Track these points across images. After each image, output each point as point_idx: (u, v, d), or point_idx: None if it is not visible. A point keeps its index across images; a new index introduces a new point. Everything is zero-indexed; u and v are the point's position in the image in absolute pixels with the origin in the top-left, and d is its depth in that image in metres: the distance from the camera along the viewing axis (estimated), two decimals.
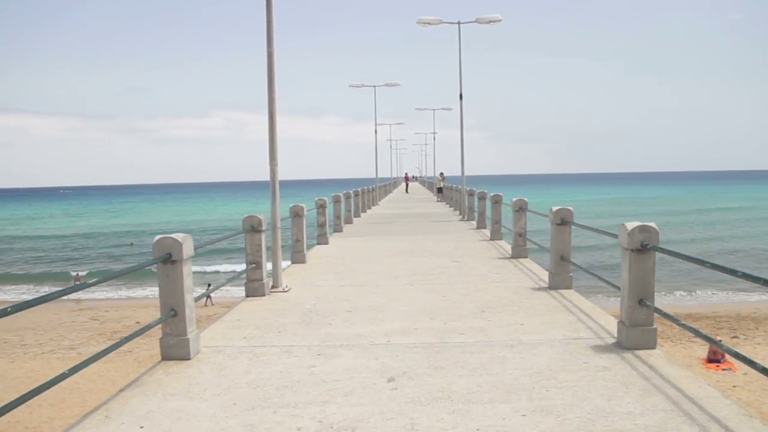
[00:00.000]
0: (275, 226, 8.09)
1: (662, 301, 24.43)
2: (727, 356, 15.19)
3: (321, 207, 13.43)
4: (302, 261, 10.55)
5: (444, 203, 31.97)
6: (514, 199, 10.70)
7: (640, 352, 5.03)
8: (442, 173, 37.14)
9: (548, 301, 7.03)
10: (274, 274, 8.12)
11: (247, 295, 7.73)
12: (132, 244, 50.33)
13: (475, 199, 17.68)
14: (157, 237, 5.19)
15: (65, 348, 20.55)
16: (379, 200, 34.35)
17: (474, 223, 17.94)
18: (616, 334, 5.45)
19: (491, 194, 13.74)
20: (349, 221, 19.37)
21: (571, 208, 7.71)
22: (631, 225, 5.12)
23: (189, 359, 5.17)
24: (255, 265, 7.70)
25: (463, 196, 20.53)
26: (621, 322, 5.28)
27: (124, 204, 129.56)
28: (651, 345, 5.13)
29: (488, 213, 15.99)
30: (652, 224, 5.13)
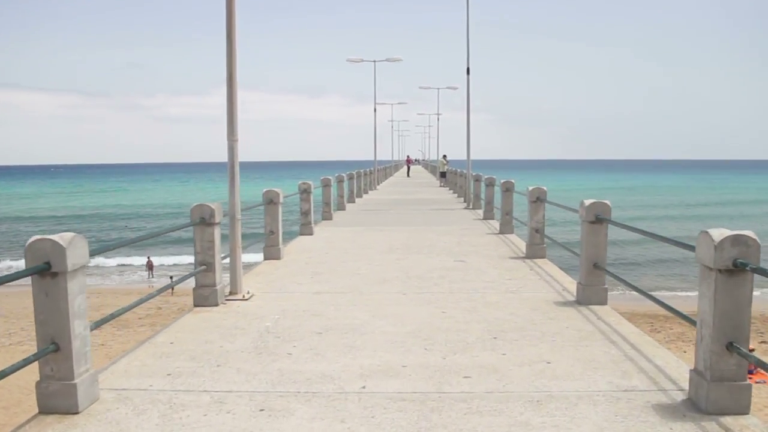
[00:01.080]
0: (234, 218, 6.47)
1: (676, 299, 22.84)
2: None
3: (305, 192, 11.78)
4: (276, 257, 8.94)
5: (447, 189, 30.32)
6: (530, 188, 9.05)
7: (728, 420, 3.43)
8: (444, 156, 35.40)
9: (579, 324, 5.42)
10: (233, 277, 6.52)
11: (196, 305, 6.13)
12: (126, 226, 48.63)
13: (482, 185, 16.02)
14: (32, 238, 3.60)
15: (35, 339, 19.12)
16: (378, 184, 32.68)
17: (480, 212, 16.29)
18: (685, 386, 3.85)
19: (501, 181, 12.08)
20: (341, 207, 17.77)
21: (608, 202, 6.08)
22: (717, 233, 3.50)
23: (77, 413, 3.59)
24: (206, 267, 6.09)
25: (468, 182, 18.86)
26: (696, 372, 3.67)
27: (119, 183, 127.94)
28: (743, 409, 3.52)
29: (497, 202, 14.36)
30: (750, 233, 3.50)
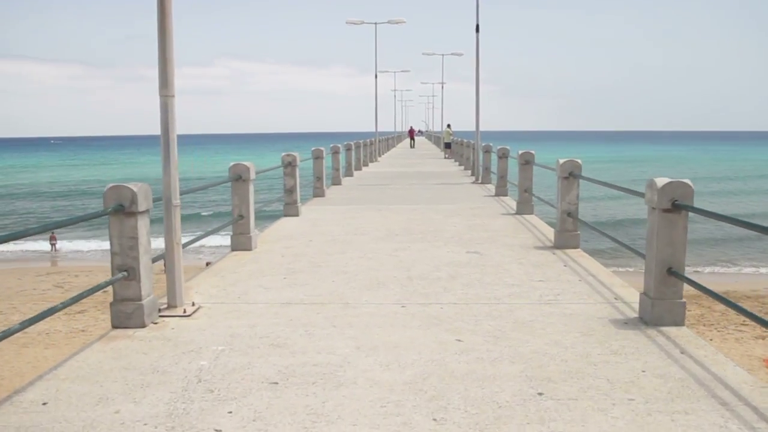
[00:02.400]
0: (170, 203, 4.73)
1: (700, 276, 21.17)
2: None
3: (289, 166, 10.00)
4: (246, 247, 7.21)
5: (452, 160, 28.50)
6: (561, 161, 7.27)
7: None
8: (449, 125, 33.48)
9: (659, 363, 3.69)
10: (170, 285, 4.81)
11: (114, 326, 4.44)
12: None
13: (493, 157, 14.22)
14: None
15: (12, 324, 17.55)
16: (379, 156, 30.84)
17: (491, 187, 14.53)
18: None
19: (519, 152, 10.29)
20: (337, 182, 16.01)
21: (689, 182, 4.32)
22: None
23: None
24: (127, 273, 4.37)
25: (477, 153, 17.02)
26: None
27: (122, 156, 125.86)
28: None
29: (511, 177, 12.61)
30: None
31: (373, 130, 31.35)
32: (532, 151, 10.27)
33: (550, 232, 8.25)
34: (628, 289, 5.41)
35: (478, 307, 4.89)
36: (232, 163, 7.21)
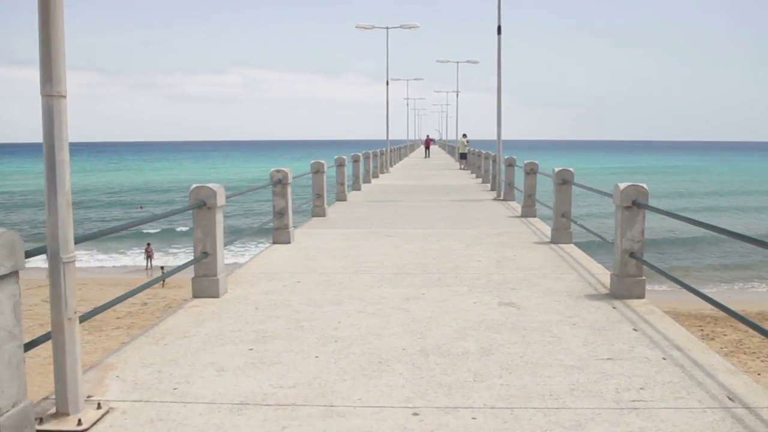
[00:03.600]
0: (57, 258, 3.09)
1: (726, 294, 19.32)
2: None
3: (279, 183, 8.35)
4: (212, 293, 5.56)
5: (468, 172, 26.84)
6: (622, 186, 5.57)
7: None
8: (464, 135, 31.90)
9: None
10: (59, 381, 3.17)
11: None
12: (141, 207, 45.28)
13: (519, 172, 12.53)
14: None
15: None
16: (391, 166, 29.22)
17: (515, 206, 12.84)
18: None
19: (556, 169, 8.58)
20: (342, 197, 14.38)
21: None
22: None
23: None
24: None
25: (498, 167, 15.32)
26: None
27: (135, 162, 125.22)
28: None
29: (541, 195, 10.96)
30: None
31: (385, 138, 29.80)
32: (571, 169, 8.56)
33: (600, 272, 6.57)
34: (739, 377, 3.72)
35: (529, 416, 3.21)
36: (194, 185, 5.57)
